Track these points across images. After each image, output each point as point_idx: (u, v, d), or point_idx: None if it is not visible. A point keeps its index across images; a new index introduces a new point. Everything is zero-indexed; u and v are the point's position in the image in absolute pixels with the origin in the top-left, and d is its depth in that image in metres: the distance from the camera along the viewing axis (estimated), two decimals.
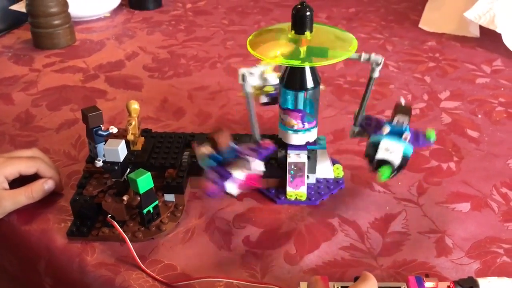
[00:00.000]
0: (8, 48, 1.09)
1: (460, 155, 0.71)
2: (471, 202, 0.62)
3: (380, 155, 0.55)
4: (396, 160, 0.54)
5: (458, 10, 1.12)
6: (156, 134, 0.69)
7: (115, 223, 0.56)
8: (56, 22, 1.05)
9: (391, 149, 0.55)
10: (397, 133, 0.56)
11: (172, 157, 0.63)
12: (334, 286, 0.48)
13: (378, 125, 0.58)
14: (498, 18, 1.02)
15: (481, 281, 0.47)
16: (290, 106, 0.59)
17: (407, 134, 0.55)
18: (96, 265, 0.54)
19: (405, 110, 0.56)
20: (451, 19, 1.15)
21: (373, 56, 0.56)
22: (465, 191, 0.64)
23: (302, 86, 0.58)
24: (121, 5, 1.31)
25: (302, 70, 0.57)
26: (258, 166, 0.53)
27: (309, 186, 0.64)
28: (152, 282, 0.52)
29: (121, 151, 0.55)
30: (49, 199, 0.62)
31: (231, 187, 0.52)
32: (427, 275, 0.49)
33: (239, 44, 1.09)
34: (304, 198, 0.62)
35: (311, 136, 0.62)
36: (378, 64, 0.56)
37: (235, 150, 0.53)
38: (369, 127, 0.60)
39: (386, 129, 0.56)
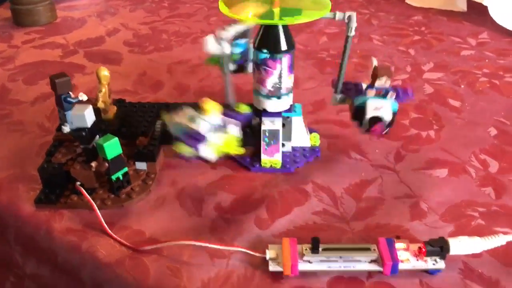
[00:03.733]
0: None
1: (441, 124, 0.70)
2: (449, 168, 0.61)
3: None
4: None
5: None
6: (130, 104, 0.67)
7: (83, 190, 0.55)
8: None
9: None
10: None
11: (144, 125, 0.62)
12: (302, 248, 0.47)
13: (358, 89, 0.57)
14: None
15: (452, 241, 0.46)
16: (259, 69, 0.57)
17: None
18: (63, 231, 0.53)
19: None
20: None
21: (347, 13, 0.54)
22: (443, 157, 0.63)
23: (276, 49, 0.56)
24: None
25: (275, 32, 0.56)
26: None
27: (284, 154, 0.63)
28: (119, 247, 0.50)
29: (88, 116, 0.54)
30: (19, 169, 0.61)
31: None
32: (398, 237, 0.48)
33: (223, 19, 1.08)
34: (279, 165, 0.61)
35: (285, 103, 0.61)
36: (352, 21, 0.55)
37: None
38: (349, 92, 0.58)
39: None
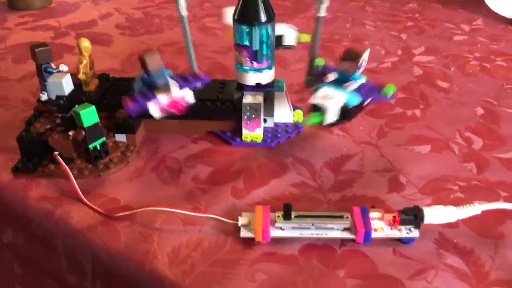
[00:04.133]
0: None
1: (427, 103, 0.69)
2: (432, 144, 0.60)
3: (315, 100, 0.52)
4: (332, 108, 0.51)
5: None
6: (113, 78, 0.67)
7: (60, 158, 0.55)
8: None
9: (330, 96, 0.52)
10: (344, 82, 0.53)
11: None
12: (275, 215, 0.46)
13: (324, 73, 0.56)
14: None
15: (426, 210, 0.46)
16: (238, 42, 0.57)
17: (350, 83, 0.52)
18: (39, 198, 0.53)
19: (352, 56, 0.52)
20: None
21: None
22: (427, 134, 0.62)
23: (253, 20, 0.56)
24: None
25: (255, 3, 0.56)
26: (187, 96, 0.53)
27: (266, 129, 0.62)
28: (93, 214, 0.50)
29: (65, 84, 0.54)
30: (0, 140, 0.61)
31: (153, 109, 0.52)
32: (373, 207, 0.48)
33: (216, 5, 1.07)
34: (259, 140, 0.60)
35: (264, 77, 0.60)
36: (321, 2, 0.54)
37: (164, 75, 0.52)
38: (317, 75, 0.57)
39: (330, 76, 0.54)
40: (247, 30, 0.56)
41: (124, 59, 0.83)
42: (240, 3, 0.57)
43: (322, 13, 0.55)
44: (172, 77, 0.55)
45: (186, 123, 0.62)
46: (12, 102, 0.71)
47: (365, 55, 0.52)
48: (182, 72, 0.57)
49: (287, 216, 0.46)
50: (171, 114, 0.54)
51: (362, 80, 0.53)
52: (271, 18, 0.57)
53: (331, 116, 0.52)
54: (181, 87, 0.54)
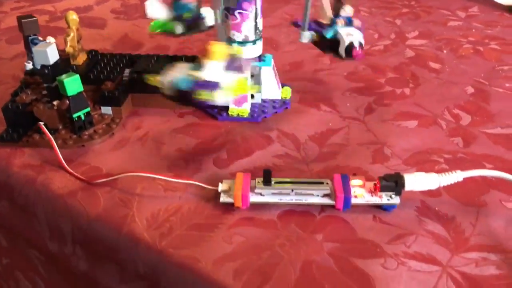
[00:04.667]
0: None
1: (417, 83, 0.69)
2: (419, 120, 0.60)
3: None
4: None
5: None
6: (102, 54, 0.67)
7: (45, 128, 0.55)
8: None
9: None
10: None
11: (112, 73, 0.62)
12: (255, 181, 0.46)
13: (322, 24, 0.56)
14: None
15: (407, 176, 0.45)
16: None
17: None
18: (21, 166, 0.53)
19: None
20: None
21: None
22: (415, 111, 0.62)
23: None
24: None
25: None
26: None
27: (253, 105, 0.62)
28: (74, 180, 0.50)
29: (50, 53, 0.54)
30: None
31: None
32: (354, 174, 0.47)
33: None
34: (246, 114, 0.60)
35: (257, 48, 0.60)
36: None
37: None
38: (316, 27, 0.57)
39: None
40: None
41: (116, 40, 0.83)
42: None
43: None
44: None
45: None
46: (2, 78, 0.71)
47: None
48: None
49: (266, 182, 0.45)
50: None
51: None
52: None
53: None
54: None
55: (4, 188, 0.53)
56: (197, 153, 0.54)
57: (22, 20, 0.57)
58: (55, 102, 0.55)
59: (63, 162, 0.51)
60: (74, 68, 0.61)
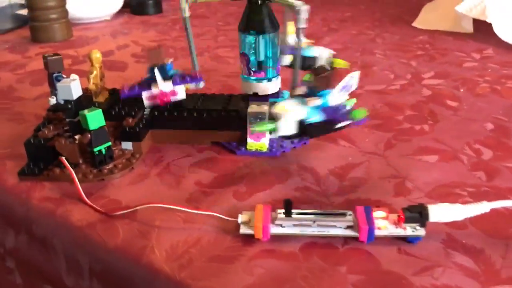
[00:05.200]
0: (7, 42, 1.13)
1: (436, 119, 0.68)
2: (440, 155, 0.59)
3: (272, 109, 0.51)
4: (286, 120, 0.49)
5: (451, 8, 1.11)
6: None
7: (66, 161, 0.55)
8: (53, 16, 1.09)
9: (288, 108, 0.50)
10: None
11: (134, 110, 0.63)
12: (276, 213, 0.45)
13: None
14: (489, 9, 1.01)
15: (432, 207, 0.44)
16: (242, 51, 0.58)
17: (314, 99, 0.50)
18: (41, 199, 0.53)
19: (323, 72, 0.52)
20: (445, 17, 1.15)
21: (298, 4, 0.53)
22: (434, 146, 0.61)
23: (253, 28, 0.57)
24: (122, 11, 1.35)
25: (257, 14, 0.57)
26: (179, 91, 0.59)
27: (271, 140, 0.62)
28: (93, 213, 0.50)
29: (74, 89, 0.55)
30: (10, 149, 0.62)
31: (144, 97, 0.59)
32: (377, 207, 0.46)
33: (230, 38, 1.10)
34: (265, 149, 0.60)
35: (269, 87, 0.61)
36: (299, 13, 0.52)
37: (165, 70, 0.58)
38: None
39: (298, 90, 0.53)
40: (248, 38, 0.57)
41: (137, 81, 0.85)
42: (244, 12, 0.58)
43: (301, 24, 0.54)
44: (174, 74, 0.59)
45: (192, 133, 0.62)
46: (25, 117, 0.72)
47: (354, 77, 0.51)
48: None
49: (287, 213, 0.45)
50: (156, 104, 0.60)
51: (335, 99, 0.51)
52: (275, 28, 0.58)
53: (285, 128, 0.50)
54: (175, 83, 0.58)
55: (23, 221, 0.53)
56: (216, 186, 0.54)
57: (48, 58, 0.59)
58: (76, 136, 0.56)
59: (83, 195, 0.51)
60: (96, 104, 0.62)
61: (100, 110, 0.55)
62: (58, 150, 0.57)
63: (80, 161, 0.57)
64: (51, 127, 0.60)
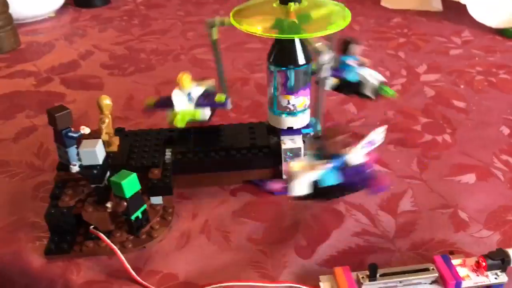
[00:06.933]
0: None
1: (452, 127, 0.69)
2: (475, 173, 0.59)
3: (373, 80, 0.55)
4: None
5: None
6: (130, 132, 0.62)
7: (101, 234, 0.49)
8: None
9: (371, 73, 0.56)
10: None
11: (153, 155, 0.57)
12: (358, 276, 0.43)
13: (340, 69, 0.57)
14: None
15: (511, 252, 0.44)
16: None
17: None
18: (84, 284, 0.47)
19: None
20: None
21: (318, 45, 0.49)
22: (465, 162, 0.61)
23: (291, 62, 0.53)
24: (66, 4, 1.22)
25: (288, 48, 0.53)
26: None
27: None
28: None
29: (99, 152, 0.49)
30: (16, 216, 0.55)
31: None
32: (451, 252, 0.46)
33: (201, 34, 1.03)
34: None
35: (304, 118, 0.57)
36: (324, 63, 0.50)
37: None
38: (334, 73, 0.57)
39: (353, 62, 0.57)
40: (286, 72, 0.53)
41: (123, 104, 0.77)
42: (275, 46, 0.54)
43: (324, 73, 0.52)
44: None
45: (220, 175, 0.58)
46: (14, 168, 0.64)
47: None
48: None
49: (372, 277, 0.43)
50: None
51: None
52: (310, 59, 0.54)
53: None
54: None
55: None
56: (272, 242, 0.51)
57: (56, 115, 0.51)
58: (108, 204, 0.50)
59: (134, 274, 0.46)
60: (111, 156, 0.56)
61: (135, 175, 0.49)
62: (86, 219, 0.51)
63: (112, 228, 0.51)
64: (70, 192, 0.53)
